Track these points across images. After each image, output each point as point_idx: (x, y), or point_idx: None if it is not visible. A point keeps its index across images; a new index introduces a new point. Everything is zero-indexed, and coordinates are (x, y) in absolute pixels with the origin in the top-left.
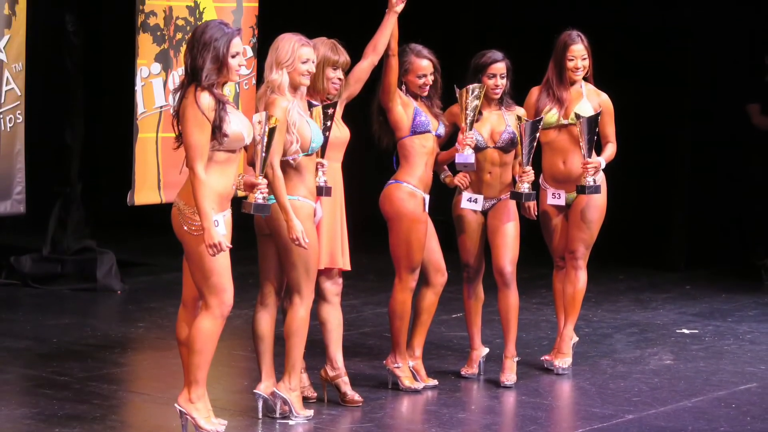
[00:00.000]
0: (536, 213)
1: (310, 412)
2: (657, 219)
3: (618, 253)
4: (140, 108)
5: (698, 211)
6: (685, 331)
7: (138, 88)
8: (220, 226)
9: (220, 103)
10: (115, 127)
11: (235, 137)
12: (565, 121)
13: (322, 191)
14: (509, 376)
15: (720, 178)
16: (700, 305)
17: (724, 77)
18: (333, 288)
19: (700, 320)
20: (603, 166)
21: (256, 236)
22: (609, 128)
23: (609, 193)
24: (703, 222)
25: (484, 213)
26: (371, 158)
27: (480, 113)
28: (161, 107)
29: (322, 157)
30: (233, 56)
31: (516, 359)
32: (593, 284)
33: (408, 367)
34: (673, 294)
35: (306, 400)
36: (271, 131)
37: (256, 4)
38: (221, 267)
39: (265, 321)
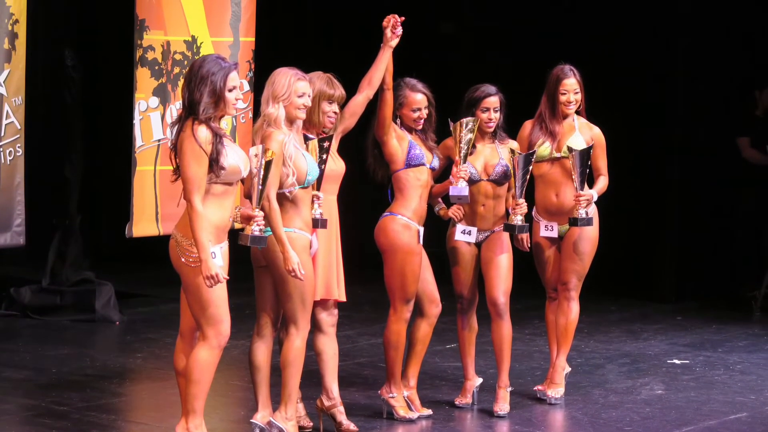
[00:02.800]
0: (529, 245)
1: None
2: (648, 251)
3: (610, 285)
4: (138, 141)
5: (689, 243)
6: (676, 361)
7: (136, 121)
8: (217, 258)
9: (217, 136)
10: (113, 160)
11: (232, 170)
12: (557, 155)
13: (317, 223)
14: (502, 406)
15: (710, 211)
16: (691, 336)
17: (715, 110)
18: (329, 319)
19: (691, 351)
20: (595, 198)
21: (253, 268)
22: (601, 161)
23: (601, 225)
24: (693, 254)
25: (478, 245)
26: (366, 191)
27: (474, 146)
28: (159, 140)
29: (318, 189)
30: (230, 90)
31: (509, 389)
32: (585, 315)
33: (403, 396)
34: (664, 325)
35: (302, 430)
36: (268, 164)
37: (253, 39)
38: (218, 298)
39: (262, 351)
